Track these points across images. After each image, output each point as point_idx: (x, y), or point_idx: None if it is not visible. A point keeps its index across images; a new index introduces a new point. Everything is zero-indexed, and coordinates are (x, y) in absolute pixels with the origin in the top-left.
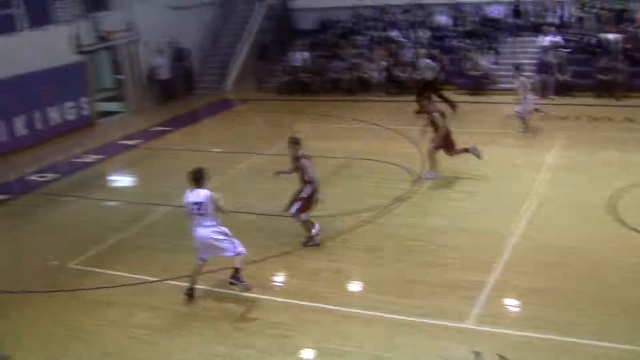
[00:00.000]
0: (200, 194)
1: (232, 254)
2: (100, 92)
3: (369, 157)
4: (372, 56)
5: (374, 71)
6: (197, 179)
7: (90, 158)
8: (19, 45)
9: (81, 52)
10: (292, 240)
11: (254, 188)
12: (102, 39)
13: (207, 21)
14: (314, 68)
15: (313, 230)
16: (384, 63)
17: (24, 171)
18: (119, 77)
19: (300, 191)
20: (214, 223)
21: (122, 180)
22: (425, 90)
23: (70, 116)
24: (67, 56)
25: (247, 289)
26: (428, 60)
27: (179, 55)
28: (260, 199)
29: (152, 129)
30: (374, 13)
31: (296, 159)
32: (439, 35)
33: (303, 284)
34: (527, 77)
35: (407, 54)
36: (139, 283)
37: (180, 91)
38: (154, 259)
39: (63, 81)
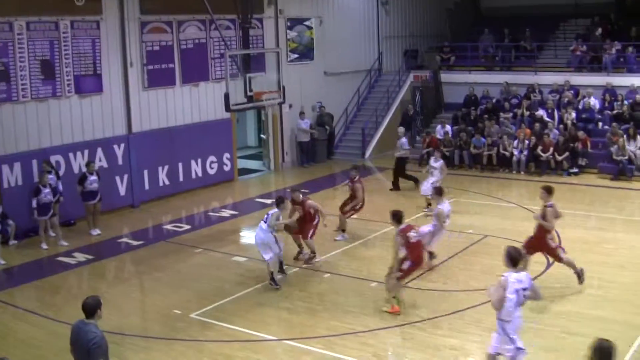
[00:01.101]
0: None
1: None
2: (242, 149)
3: (503, 235)
4: (515, 134)
5: (516, 149)
6: (278, 202)
7: (225, 213)
8: (173, 99)
9: (231, 110)
10: (414, 311)
11: (380, 256)
12: (250, 98)
13: (354, 88)
14: (455, 142)
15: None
16: (527, 142)
17: (161, 220)
18: (262, 136)
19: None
20: (271, 231)
21: (252, 237)
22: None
23: (212, 171)
24: (214, 112)
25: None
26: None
27: (322, 120)
28: (385, 267)
29: (288, 190)
30: (523, 91)
31: (300, 203)
32: (585, 118)
33: (420, 358)
34: None
35: (552, 135)
36: (258, 340)
37: (320, 155)
38: (273, 317)
39: (208, 136)
